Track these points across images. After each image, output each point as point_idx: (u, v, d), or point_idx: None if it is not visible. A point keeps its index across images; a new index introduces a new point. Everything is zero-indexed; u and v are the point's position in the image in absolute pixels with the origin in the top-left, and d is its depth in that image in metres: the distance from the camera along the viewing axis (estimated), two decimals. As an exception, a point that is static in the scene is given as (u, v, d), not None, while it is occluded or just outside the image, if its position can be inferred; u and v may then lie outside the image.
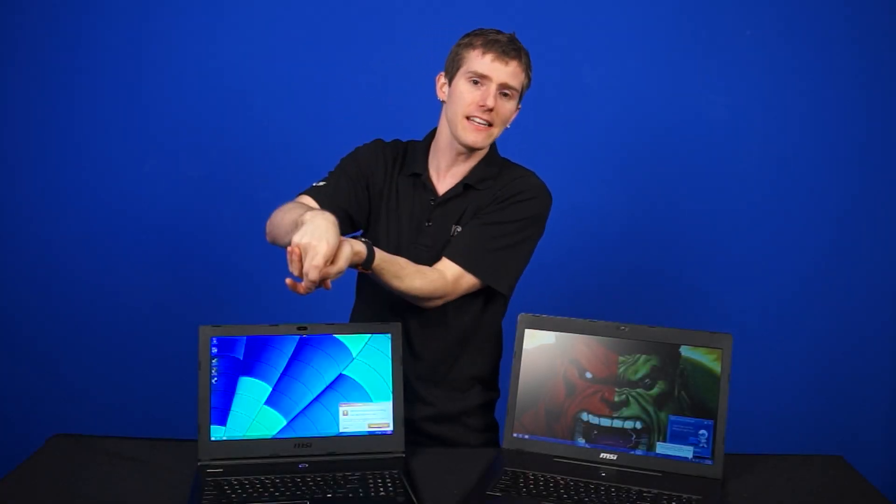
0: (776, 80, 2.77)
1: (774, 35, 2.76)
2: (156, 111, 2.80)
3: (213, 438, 1.62)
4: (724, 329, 1.65)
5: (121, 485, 1.56)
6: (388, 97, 2.80)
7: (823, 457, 1.78)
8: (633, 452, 1.64)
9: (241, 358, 1.65)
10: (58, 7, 2.76)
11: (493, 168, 1.86)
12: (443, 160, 1.85)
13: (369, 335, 1.69)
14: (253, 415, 1.64)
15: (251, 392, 1.64)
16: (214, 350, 1.64)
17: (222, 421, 1.63)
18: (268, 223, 1.78)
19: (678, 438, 1.62)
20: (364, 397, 1.68)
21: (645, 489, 1.54)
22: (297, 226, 1.53)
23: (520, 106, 1.84)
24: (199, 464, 1.60)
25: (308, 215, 1.53)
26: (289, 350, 1.67)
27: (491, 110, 1.74)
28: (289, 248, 1.49)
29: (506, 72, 1.74)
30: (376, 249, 1.62)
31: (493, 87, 1.74)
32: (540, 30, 2.76)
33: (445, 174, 1.86)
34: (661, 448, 1.63)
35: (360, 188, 1.84)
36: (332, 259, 1.49)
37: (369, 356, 1.69)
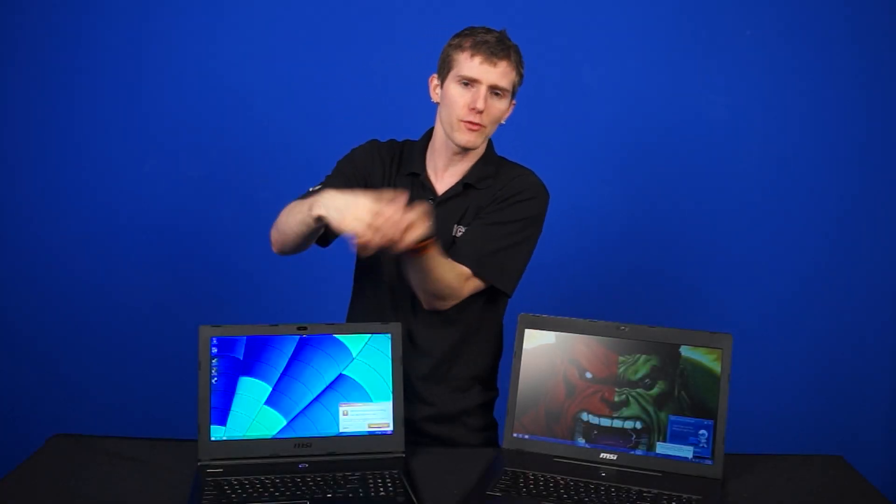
0: (776, 80, 2.77)
1: (774, 35, 2.76)
2: (156, 111, 2.80)
3: (213, 438, 1.62)
4: (724, 329, 1.65)
5: (121, 485, 1.56)
6: (388, 97, 2.80)
7: (823, 457, 1.78)
8: (633, 452, 1.64)
9: (241, 358, 1.65)
10: (58, 7, 2.76)
11: (490, 167, 1.86)
12: (440, 160, 1.85)
13: (369, 335, 1.69)
14: (253, 415, 1.64)
15: (251, 392, 1.64)
16: (214, 350, 1.64)
17: (222, 421, 1.63)
18: (273, 232, 1.78)
19: (678, 438, 1.62)
20: (364, 397, 1.68)
21: (645, 489, 1.54)
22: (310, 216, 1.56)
23: (514, 102, 1.85)
24: (199, 464, 1.60)
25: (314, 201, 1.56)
26: (289, 350, 1.67)
27: (482, 112, 1.75)
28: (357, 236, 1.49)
29: (495, 73, 1.75)
30: None
31: (483, 90, 1.74)
32: (540, 30, 2.77)
33: (443, 174, 1.86)
34: (661, 448, 1.63)
35: (359, 189, 1.83)
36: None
37: (369, 356, 1.69)
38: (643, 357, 1.66)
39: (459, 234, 1.82)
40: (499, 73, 1.75)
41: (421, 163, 1.86)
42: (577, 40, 2.80)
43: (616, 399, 1.66)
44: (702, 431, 1.62)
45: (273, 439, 1.64)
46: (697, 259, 2.87)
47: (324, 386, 1.67)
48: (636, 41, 2.79)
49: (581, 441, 1.66)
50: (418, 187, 1.86)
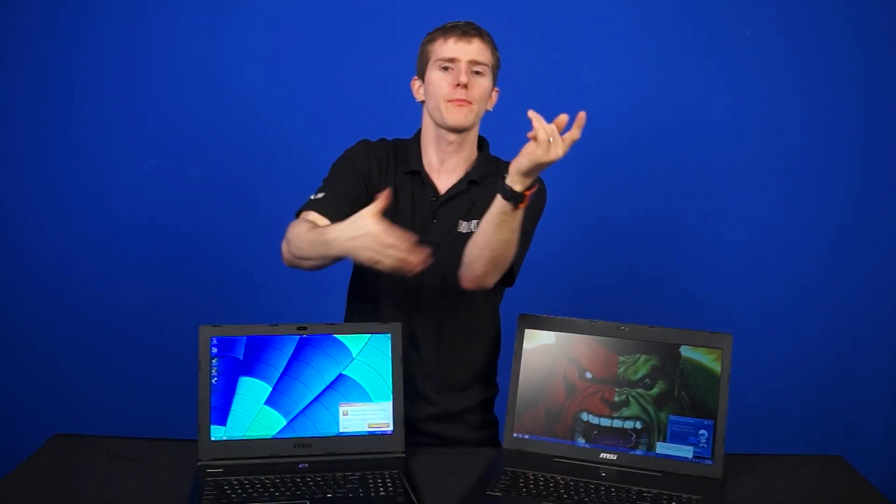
0: (776, 80, 2.77)
1: (774, 35, 2.76)
2: (156, 111, 2.80)
3: (213, 438, 1.62)
4: (724, 329, 1.65)
5: (121, 485, 1.56)
6: (388, 97, 2.79)
7: (823, 457, 1.78)
8: (633, 452, 1.64)
9: (241, 358, 1.65)
10: (58, 7, 2.76)
11: (490, 165, 1.88)
12: (434, 157, 1.87)
13: (369, 335, 1.69)
14: (253, 415, 1.64)
15: (251, 392, 1.64)
16: (214, 350, 1.64)
17: (222, 421, 1.63)
18: (286, 250, 1.76)
19: (678, 438, 1.62)
20: (364, 397, 1.68)
21: (645, 489, 1.54)
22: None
23: (498, 89, 1.86)
24: (199, 464, 1.60)
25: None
26: (289, 350, 1.67)
27: (466, 87, 1.76)
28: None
29: (471, 49, 1.78)
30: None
31: (463, 66, 1.77)
32: (540, 30, 2.77)
33: (440, 171, 1.87)
34: (661, 448, 1.63)
35: (360, 189, 1.83)
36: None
37: (369, 356, 1.69)
38: (643, 357, 1.66)
39: (464, 230, 1.83)
40: (475, 49, 1.78)
41: (418, 161, 1.87)
42: (577, 40, 2.80)
43: (616, 399, 1.66)
44: (702, 431, 1.62)
45: (273, 439, 1.64)
46: (697, 259, 2.87)
47: (324, 386, 1.67)
48: (636, 41, 2.79)
49: (581, 441, 1.66)
50: (419, 185, 1.86)
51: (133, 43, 2.78)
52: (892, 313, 2.86)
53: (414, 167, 1.86)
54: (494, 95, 1.86)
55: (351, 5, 2.79)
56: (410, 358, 1.84)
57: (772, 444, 2.67)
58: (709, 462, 1.60)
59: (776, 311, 2.86)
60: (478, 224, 1.83)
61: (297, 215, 1.81)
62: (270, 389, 1.65)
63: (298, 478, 1.55)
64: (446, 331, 1.86)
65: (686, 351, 1.64)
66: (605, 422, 1.66)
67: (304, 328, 1.68)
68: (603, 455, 1.65)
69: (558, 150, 1.60)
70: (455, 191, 1.85)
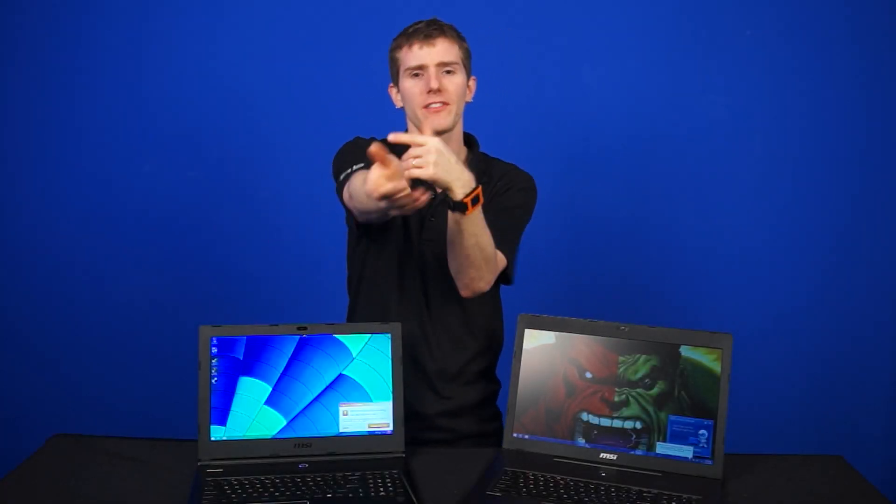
0: (776, 80, 2.77)
1: (774, 35, 2.76)
2: (156, 111, 2.80)
3: (213, 438, 1.62)
4: (724, 329, 1.65)
5: (121, 485, 1.56)
6: (388, 97, 2.80)
7: (823, 457, 1.78)
8: (633, 452, 1.64)
9: (241, 358, 1.65)
10: (58, 7, 2.76)
11: (482, 163, 1.90)
12: None
13: (369, 335, 1.69)
14: (253, 415, 1.64)
15: (251, 392, 1.64)
16: (214, 350, 1.64)
17: (222, 421, 1.63)
18: (353, 202, 1.71)
19: (678, 438, 1.62)
20: (364, 397, 1.68)
21: (645, 489, 1.54)
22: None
23: (475, 77, 1.87)
24: (199, 464, 1.60)
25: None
26: (289, 350, 1.67)
27: (440, 90, 1.77)
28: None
29: (437, 51, 1.78)
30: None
31: (431, 71, 1.77)
32: (540, 30, 2.77)
33: None
34: (661, 448, 1.63)
35: None
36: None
37: (369, 356, 1.69)
38: (643, 357, 1.66)
39: None
40: (440, 51, 1.78)
41: None
42: (577, 40, 2.80)
43: (616, 399, 1.66)
44: (702, 431, 1.61)
45: (273, 439, 1.64)
46: (697, 259, 2.87)
47: (324, 386, 1.67)
48: (636, 41, 2.79)
49: (581, 441, 1.66)
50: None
51: (133, 43, 2.78)
52: (892, 313, 2.86)
53: None
54: (472, 84, 1.87)
55: (351, 5, 2.79)
56: (423, 355, 1.86)
57: (772, 444, 2.66)
58: (709, 462, 1.60)
59: (776, 311, 2.86)
60: None
61: (340, 191, 1.79)
62: (270, 389, 1.65)
63: (298, 478, 1.55)
64: (456, 326, 1.88)
65: (686, 351, 1.64)
66: (605, 422, 1.66)
67: (304, 328, 1.68)
68: (603, 455, 1.65)
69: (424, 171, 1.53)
70: None
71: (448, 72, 1.79)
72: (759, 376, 2.80)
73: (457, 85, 1.80)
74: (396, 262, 1.86)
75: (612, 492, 1.53)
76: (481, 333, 1.92)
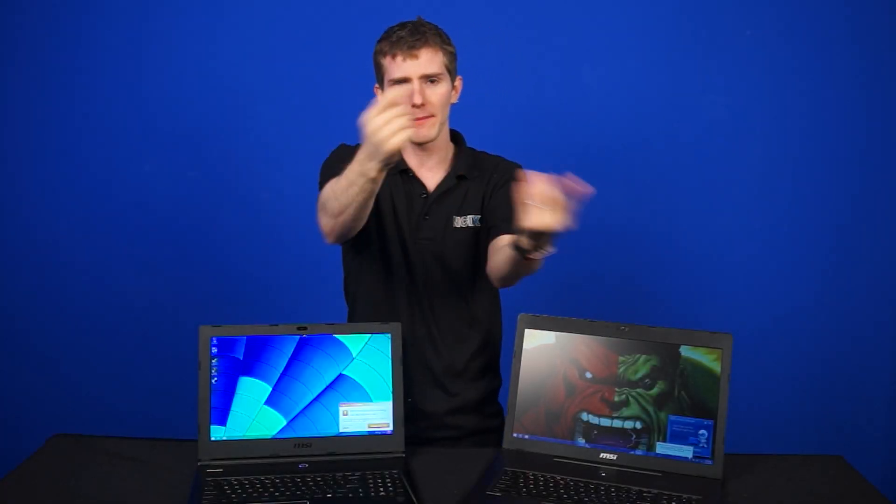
0: (776, 80, 2.77)
1: (774, 35, 2.76)
2: (156, 111, 2.80)
3: (213, 438, 1.62)
4: (724, 329, 1.65)
5: (121, 485, 1.56)
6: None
7: (823, 457, 1.78)
8: (633, 452, 1.64)
9: (241, 358, 1.65)
10: (58, 7, 2.76)
11: (471, 158, 1.92)
12: (414, 159, 1.89)
13: (369, 335, 1.70)
14: (253, 415, 1.64)
15: (251, 392, 1.64)
16: (214, 350, 1.64)
17: (222, 421, 1.63)
18: (323, 218, 1.72)
19: (678, 438, 1.62)
20: (364, 397, 1.68)
21: (645, 489, 1.54)
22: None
23: (460, 77, 1.87)
24: (199, 464, 1.60)
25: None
26: (289, 350, 1.67)
27: (422, 105, 1.77)
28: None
29: (420, 63, 1.77)
30: None
31: (415, 84, 1.77)
32: (540, 30, 2.77)
33: (424, 170, 1.89)
34: (661, 448, 1.63)
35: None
36: None
37: (369, 356, 1.69)
38: (643, 357, 1.66)
39: (460, 224, 1.85)
40: (423, 63, 1.77)
41: (402, 160, 1.87)
42: (577, 40, 2.80)
43: (616, 399, 1.66)
44: (702, 431, 1.61)
45: (273, 439, 1.64)
46: (697, 259, 2.86)
47: (324, 386, 1.67)
48: (636, 41, 2.78)
49: (581, 441, 1.66)
50: (409, 183, 1.88)
51: (133, 43, 2.78)
52: (892, 313, 2.86)
53: (402, 166, 1.87)
54: (459, 84, 1.87)
55: (351, 5, 2.79)
56: (429, 354, 1.88)
57: (772, 444, 2.66)
58: (709, 462, 1.60)
59: (776, 311, 2.85)
60: (473, 219, 1.86)
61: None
62: (270, 389, 1.65)
63: (298, 478, 1.55)
64: (458, 322, 1.89)
65: (686, 351, 1.64)
66: (605, 422, 1.66)
67: (304, 328, 1.68)
68: (603, 455, 1.65)
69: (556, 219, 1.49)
70: (445, 187, 1.87)
71: (432, 81, 1.78)
72: (759, 376, 2.80)
73: (440, 95, 1.79)
74: (395, 264, 1.87)
75: (612, 492, 1.53)
76: (482, 328, 1.93)
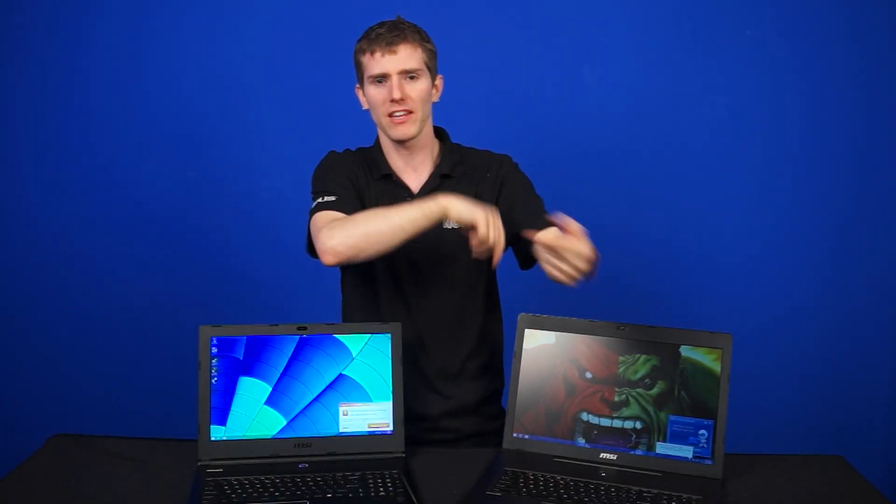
0: (776, 80, 2.77)
1: (774, 35, 2.76)
2: (156, 111, 2.80)
3: (213, 438, 1.62)
4: (724, 329, 1.65)
5: (121, 485, 1.56)
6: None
7: (823, 457, 1.78)
8: (633, 452, 1.64)
9: (241, 358, 1.65)
10: (58, 7, 2.76)
11: (455, 154, 1.90)
12: (397, 160, 1.88)
13: (369, 335, 1.69)
14: (253, 415, 1.64)
15: (251, 392, 1.65)
16: (214, 350, 1.64)
17: (222, 421, 1.63)
18: (346, 241, 1.66)
19: (678, 438, 1.62)
20: (364, 397, 1.68)
21: (645, 489, 1.54)
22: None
23: (441, 76, 1.87)
24: (199, 464, 1.60)
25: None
26: (289, 350, 1.67)
27: (402, 100, 1.77)
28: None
29: (398, 59, 1.77)
30: None
31: (394, 80, 1.77)
32: (540, 30, 2.77)
33: (408, 171, 1.88)
34: (661, 448, 1.63)
35: (356, 192, 1.84)
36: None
37: (369, 356, 1.69)
38: (643, 357, 1.66)
39: (448, 225, 1.80)
40: (402, 58, 1.77)
41: (386, 165, 1.88)
42: (577, 40, 2.80)
43: (616, 399, 1.66)
44: (702, 431, 1.61)
45: (273, 439, 1.64)
46: (697, 259, 2.87)
47: (324, 386, 1.67)
48: (636, 41, 2.79)
49: (581, 441, 1.66)
50: (392, 187, 1.87)
51: (133, 43, 2.78)
52: (892, 313, 2.86)
53: (384, 171, 1.87)
54: (439, 83, 1.87)
55: (351, 5, 2.79)
56: (419, 356, 1.86)
57: (772, 444, 2.67)
58: (709, 462, 1.60)
59: (776, 311, 2.86)
60: None
61: (310, 222, 1.78)
62: (270, 389, 1.65)
63: (298, 478, 1.55)
64: (450, 324, 1.87)
65: (686, 351, 1.64)
66: (605, 422, 1.66)
67: (304, 328, 1.68)
68: (603, 455, 1.65)
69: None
70: (429, 187, 1.86)
71: (411, 77, 1.78)
72: (759, 376, 2.80)
73: (420, 91, 1.79)
74: (385, 265, 1.85)
75: (612, 492, 1.53)
76: (475, 329, 1.91)
